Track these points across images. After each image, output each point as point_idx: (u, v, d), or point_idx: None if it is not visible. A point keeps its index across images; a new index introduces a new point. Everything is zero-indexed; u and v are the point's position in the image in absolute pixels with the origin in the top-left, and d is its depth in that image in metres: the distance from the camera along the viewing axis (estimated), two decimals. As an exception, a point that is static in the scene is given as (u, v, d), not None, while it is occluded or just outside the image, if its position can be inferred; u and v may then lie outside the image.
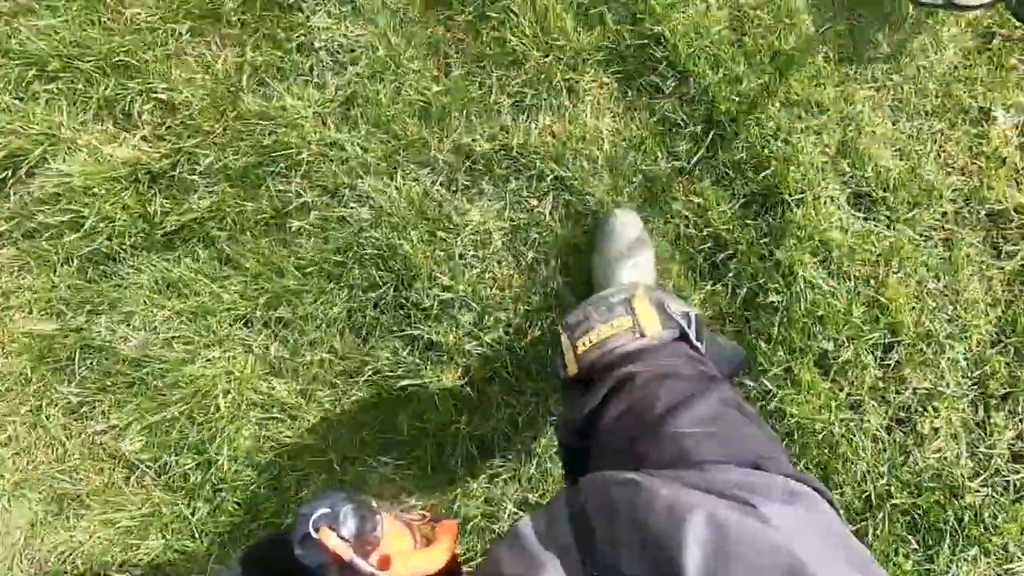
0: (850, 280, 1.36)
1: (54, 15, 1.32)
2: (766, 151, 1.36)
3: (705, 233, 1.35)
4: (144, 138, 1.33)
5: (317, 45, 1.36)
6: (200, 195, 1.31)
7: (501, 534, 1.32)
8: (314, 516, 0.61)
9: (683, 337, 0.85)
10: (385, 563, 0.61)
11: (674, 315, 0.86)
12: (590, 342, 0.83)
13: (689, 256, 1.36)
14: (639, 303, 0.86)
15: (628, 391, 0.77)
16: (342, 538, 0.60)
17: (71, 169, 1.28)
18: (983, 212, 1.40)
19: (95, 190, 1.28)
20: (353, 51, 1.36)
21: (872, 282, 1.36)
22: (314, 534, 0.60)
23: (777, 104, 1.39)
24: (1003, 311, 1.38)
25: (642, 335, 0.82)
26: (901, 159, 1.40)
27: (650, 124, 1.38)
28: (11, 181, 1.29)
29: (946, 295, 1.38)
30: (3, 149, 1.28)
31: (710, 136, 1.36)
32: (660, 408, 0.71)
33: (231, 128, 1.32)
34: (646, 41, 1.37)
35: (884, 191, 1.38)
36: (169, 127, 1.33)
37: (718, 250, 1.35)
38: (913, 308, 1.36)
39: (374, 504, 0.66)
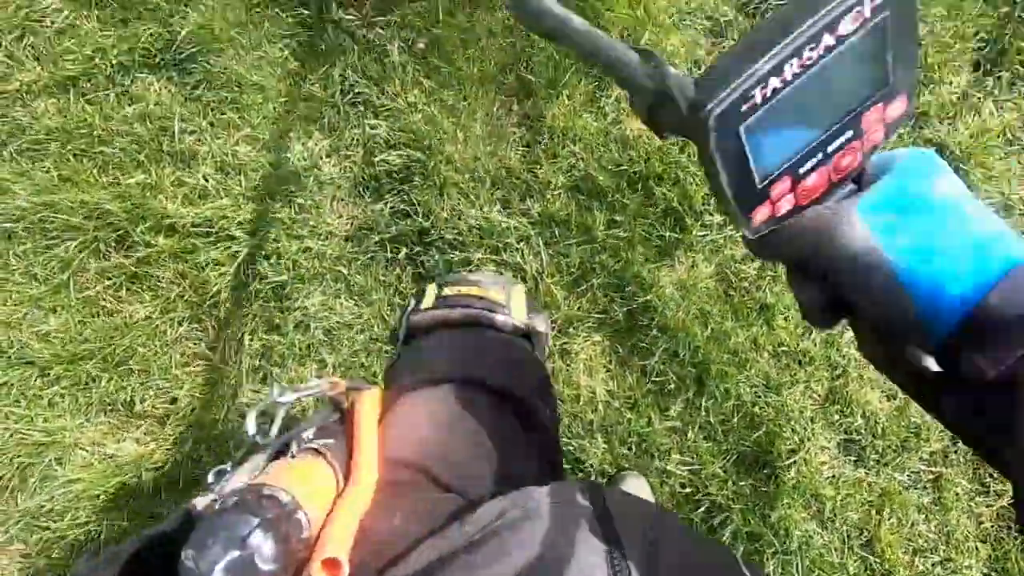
0: (843, 529, 1.39)
1: (55, 318, 1.34)
2: (756, 407, 1.40)
3: (701, 495, 1.38)
4: (147, 432, 1.35)
5: (313, 325, 1.38)
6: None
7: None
8: (218, 568, 0.41)
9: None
10: (334, 568, 0.45)
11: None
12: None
13: (687, 517, 1.39)
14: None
15: None
16: (269, 572, 0.43)
17: (77, 475, 1.30)
18: (969, 450, 1.43)
19: (102, 496, 1.30)
20: (351, 327, 1.39)
21: (864, 531, 1.40)
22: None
23: (766, 355, 1.42)
24: (993, 547, 1.42)
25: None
26: (888, 400, 1.43)
27: (642, 385, 1.41)
28: (18, 491, 1.32)
29: (937, 536, 1.41)
30: (8, 459, 1.30)
31: (703, 397, 1.39)
32: None
33: (233, 420, 1.34)
34: (635, 307, 1.40)
35: (873, 436, 1.42)
36: (171, 418, 1.36)
37: (714, 511, 1.38)
38: (905, 551, 1.40)
39: (284, 497, 0.46)
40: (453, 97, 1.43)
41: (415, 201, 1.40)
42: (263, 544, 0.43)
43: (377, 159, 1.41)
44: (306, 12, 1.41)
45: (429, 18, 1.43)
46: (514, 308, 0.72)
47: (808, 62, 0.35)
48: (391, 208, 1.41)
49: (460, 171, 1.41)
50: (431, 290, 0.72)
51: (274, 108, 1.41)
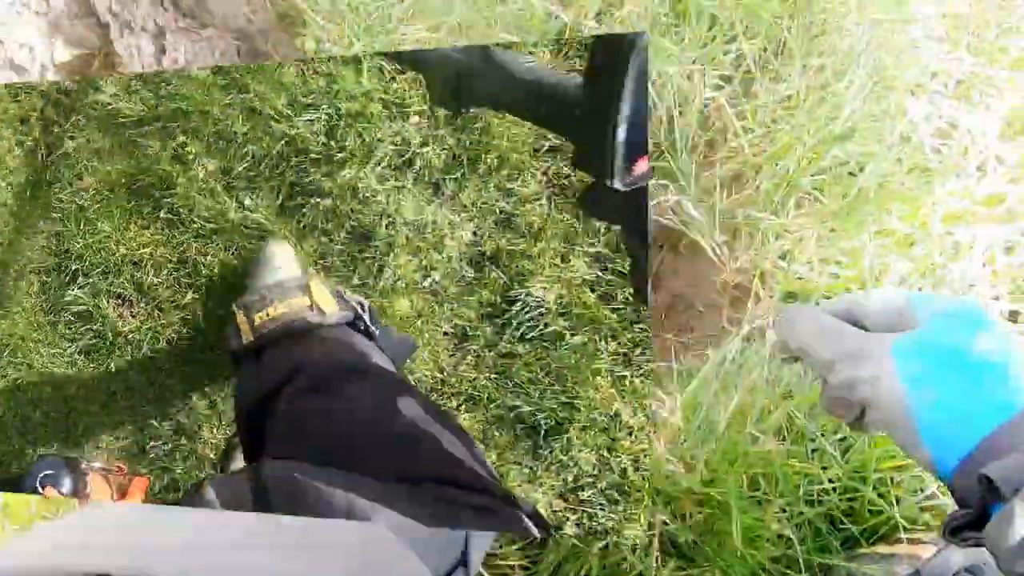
0: None
1: None
2: None
3: None
4: None
5: None
6: None
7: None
8: (40, 476, 0.88)
9: (357, 319, 0.90)
10: None
11: (350, 300, 0.91)
12: (267, 315, 0.87)
13: None
14: (315, 287, 0.90)
15: (301, 385, 0.78)
16: (61, 493, 0.88)
17: None
18: None
19: None
20: None
21: None
22: (40, 489, 0.87)
23: None
24: None
25: (320, 312, 0.88)
26: None
27: None
28: None
29: None
30: None
31: None
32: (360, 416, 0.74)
33: None
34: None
35: None
36: None
37: None
38: None
39: (84, 466, 0.92)
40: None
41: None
42: (64, 476, 0.93)
43: None
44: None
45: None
46: (321, 302, 0.88)
47: None
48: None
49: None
50: (242, 321, 0.88)
51: None
